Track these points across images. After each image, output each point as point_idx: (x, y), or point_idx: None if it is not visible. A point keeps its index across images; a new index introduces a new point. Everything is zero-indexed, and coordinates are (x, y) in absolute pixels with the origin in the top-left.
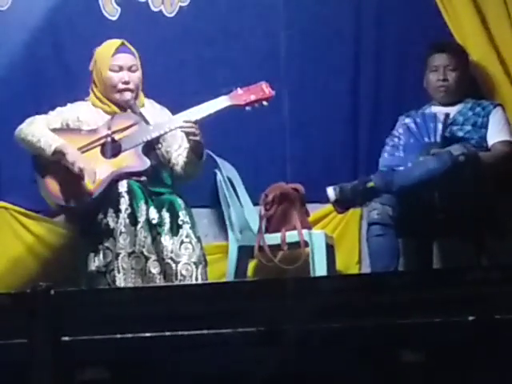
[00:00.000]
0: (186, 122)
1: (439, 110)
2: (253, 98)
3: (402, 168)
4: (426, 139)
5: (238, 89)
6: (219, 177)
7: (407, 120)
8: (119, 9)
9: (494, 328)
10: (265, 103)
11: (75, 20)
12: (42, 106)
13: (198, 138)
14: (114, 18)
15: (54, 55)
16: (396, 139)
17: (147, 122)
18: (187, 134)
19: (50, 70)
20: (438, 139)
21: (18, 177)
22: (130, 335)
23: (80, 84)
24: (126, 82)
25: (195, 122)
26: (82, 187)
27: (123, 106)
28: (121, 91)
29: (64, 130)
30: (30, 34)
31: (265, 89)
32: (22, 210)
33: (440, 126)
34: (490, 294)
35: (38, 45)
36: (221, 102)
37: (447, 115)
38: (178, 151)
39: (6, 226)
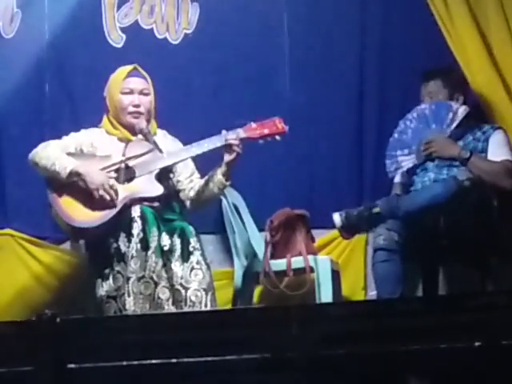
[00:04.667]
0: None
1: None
2: (266, 132)
3: (406, 151)
4: (434, 126)
5: (252, 123)
6: (224, 203)
7: (423, 106)
8: (124, 36)
9: (501, 353)
10: (277, 138)
11: (80, 47)
12: (48, 133)
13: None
14: (119, 46)
15: (59, 82)
16: (408, 122)
17: (160, 151)
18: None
19: (56, 97)
20: (445, 128)
21: (23, 204)
22: (135, 362)
23: (85, 111)
24: (137, 105)
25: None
26: (95, 208)
27: (136, 132)
28: (131, 114)
29: (78, 154)
30: (34, 62)
31: (278, 124)
32: (28, 237)
33: (450, 116)
34: (495, 319)
35: (43, 72)
36: (236, 134)
37: (463, 108)
38: (188, 183)
39: (12, 253)
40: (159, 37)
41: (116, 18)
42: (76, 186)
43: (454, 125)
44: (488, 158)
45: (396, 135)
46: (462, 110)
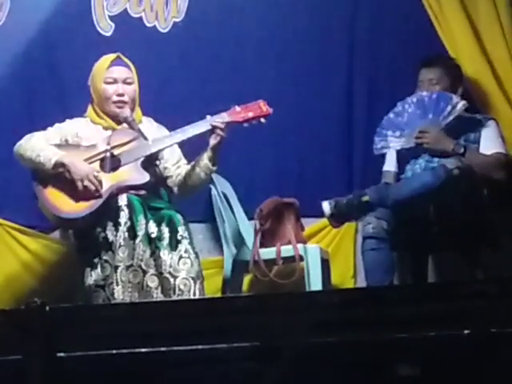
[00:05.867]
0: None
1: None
2: (251, 115)
3: (397, 133)
4: (431, 115)
5: (236, 106)
6: (214, 192)
7: (425, 93)
8: (113, 24)
9: (490, 341)
10: (262, 120)
11: (69, 35)
12: (37, 122)
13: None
14: (108, 34)
15: (48, 70)
16: (406, 105)
17: (146, 138)
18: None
19: (44, 85)
20: (442, 120)
21: (12, 193)
22: (125, 351)
23: (74, 99)
24: (121, 95)
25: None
26: (82, 199)
27: (120, 121)
28: (116, 103)
29: (63, 145)
30: (24, 50)
31: (262, 106)
32: (17, 226)
33: (449, 108)
34: (485, 307)
35: (32, 60)
36: (219, 119)
37: (462, 103)
38: (176, 169)
39: (1, 243)
40: (148, 25)
41: (105, 7)
42: (61, 177)
43: (451, 118)
44: (480, 151)
45: (391, 115)
46: (461, 105)
